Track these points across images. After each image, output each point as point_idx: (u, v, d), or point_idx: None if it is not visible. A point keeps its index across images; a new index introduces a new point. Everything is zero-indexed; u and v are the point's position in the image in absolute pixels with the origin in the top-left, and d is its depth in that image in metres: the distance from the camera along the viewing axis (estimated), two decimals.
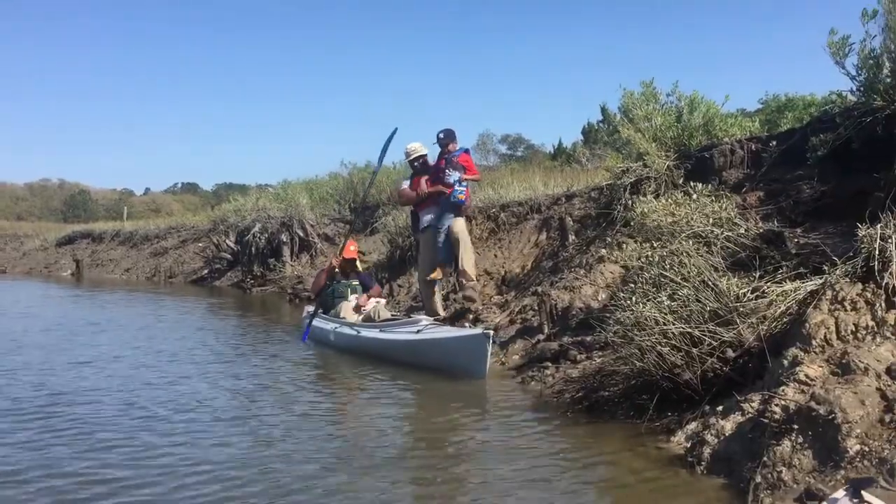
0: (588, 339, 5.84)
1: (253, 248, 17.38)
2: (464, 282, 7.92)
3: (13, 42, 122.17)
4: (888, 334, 3.49)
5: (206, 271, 20.51)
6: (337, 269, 8.84)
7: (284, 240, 16.95)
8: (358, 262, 9.14)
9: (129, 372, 6.67)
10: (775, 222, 5.63)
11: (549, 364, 5.92)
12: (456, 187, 7.88)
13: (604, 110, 34.73)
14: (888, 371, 3.26)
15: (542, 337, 6.63)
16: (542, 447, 4.25)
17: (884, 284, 3.60)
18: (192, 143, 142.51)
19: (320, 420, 5.09)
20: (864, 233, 3.75)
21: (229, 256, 19.36)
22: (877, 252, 3.64)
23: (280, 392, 5.98)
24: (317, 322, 8.55)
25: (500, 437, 4.48)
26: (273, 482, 3.62)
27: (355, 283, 8.76)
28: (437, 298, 8.32)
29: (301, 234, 17.02)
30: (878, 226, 3.74)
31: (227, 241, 19.45)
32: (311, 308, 9.68)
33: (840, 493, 2.10)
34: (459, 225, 8.05)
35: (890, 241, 3.65)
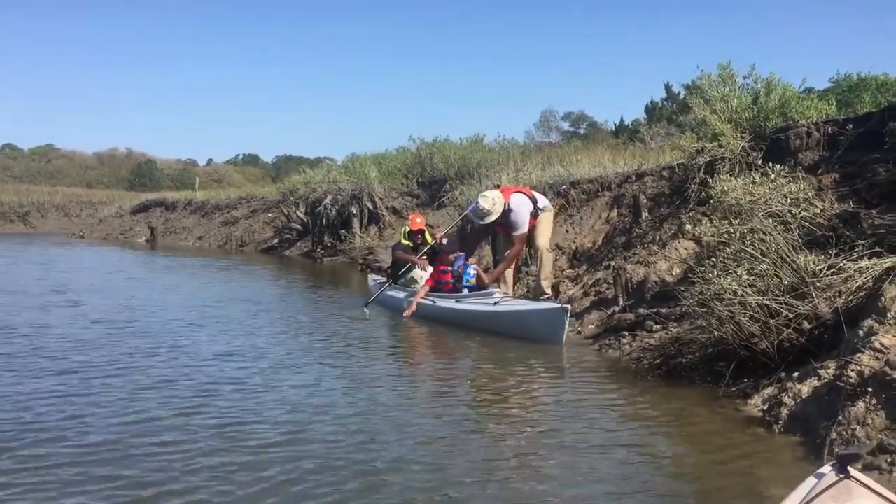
0: (664, 310, 6.15)
1: (324, 220, 17.98)
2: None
3: (78, 12, 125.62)
4: None
5: (276, 241, 21.26)
6: (408, 242, 9.33)
7: (354, 212, 17.49)
8: (427, 234, 9.57)
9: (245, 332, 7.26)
10: (851, 203, 5.84)
11: (626, 333, 6.26)
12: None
13: (668, 88, 34.55)
14: None
15: (617, 308, 6.96)
16: (622, 407, 4.61)
17: None
18: (254, 113, 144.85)
19: (421, 376, 5.56)
20: None
21: (299, 227, 20.04)
22: None
23: (369, 350, 6.48)
24: (390, 291, 9.04)
25: (581, 397, 4.86)
26: (364, 430, 4.06)
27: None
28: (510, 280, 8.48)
29: (370, 207, 17.53)
30: None
31: (297, 212, 20.12)
32: (377, 277, 10.22)
33: (826, 468, 2.03)
34: (543, 231, 8.14)
35: None
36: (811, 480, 2.01)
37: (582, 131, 41.78)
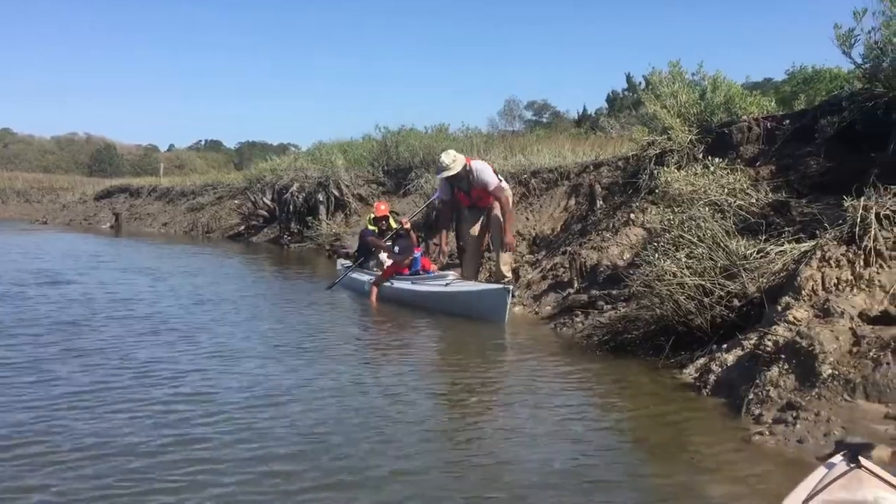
0: (614, 292, 6.66)
1: (291, 206, 18.25)
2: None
3: None
4: (863, 286, 4.29)
5: (242, 227, 21.48)
6: (374, 227, 9.78)
7: (321, 199, 17.79)
8: (392, 220, 10.01)
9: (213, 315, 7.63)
10: (783, 193, 6.40)
11: (579, 313, 6.77)
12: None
13: (629, 79, 35.25)
14: (860, 315, 4.08)
15: (572, 291, 7.47)
16: (573, 377, 5.11)
17: (863, 247, 4.38)
18: (216, 99, 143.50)
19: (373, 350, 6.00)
20: (848, 204, 4.53)
21: (266, 214, 20.29)
22: (859, 220, 4.42)
23: (328, 329, 6.93)
24: (354, 274, 9.55)
25: (536, 369, 5.36)
26: (312, 408, 4.37)
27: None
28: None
29: (337, 194, 17.84)
30: (862, 199, 4.52)
31: (263, 198, 20.36)
32: (346, 262, 10.68)
33: (837, 458, 2.01)
34: (496, 217, 8.46)
35: (870, 211, 4.43)
36: (822, 470, 2.03)
37: (545, 120, 42.47)
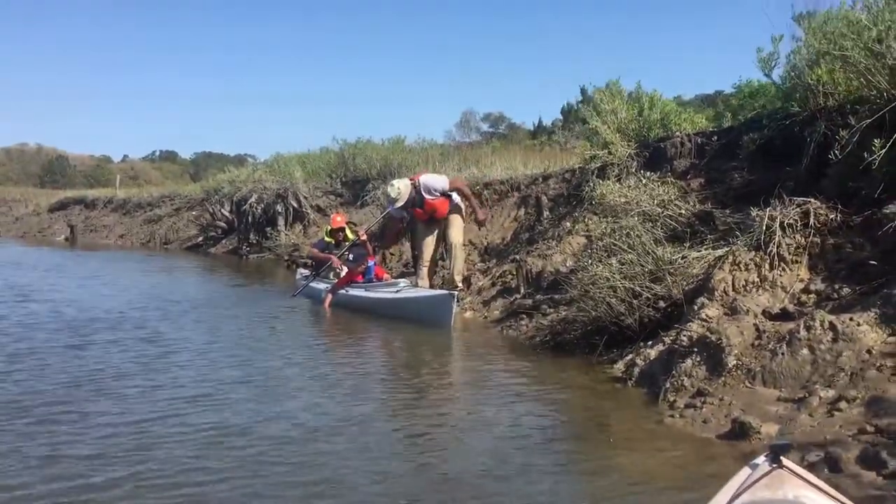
0: (556, 296, 7.14)
1: (249, 217, 18.48)
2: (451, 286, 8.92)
3: None
4: (767, 287, 4.83)
5: (200, 238, 21.58)
6: (330, 239, 10.17)
7: (280, 210, 18.05)
8: (348, 231, 10.41)
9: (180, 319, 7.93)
10: (709, 204, 6.95)
11: (524, 316, 7.23)
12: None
13: (583, 91, 36.07)
14: (763, 312, 4.60)
15: (518, 296, 7.93)
16: (516, 374, 5.56)
17: (769, 252, 4.92)
18: (170, 110, 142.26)
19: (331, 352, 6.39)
20: (755, 214, 5.07)
21: (224, 225, 20.45)
22: (764, 228, 4.96)
23: (279, 333, 7.31)
24: (312, 283, 9.91)
25: (482, 367, 5.81)
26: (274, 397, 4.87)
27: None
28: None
29: (295, 205, 18.12)
30: (768, 210, 5.07)
31: (222, 210, 20.54)
32: (304, 272, 11.03)
33: (760, 459, 2.08)
34: (456, 229, 9.02)
35: (775, 220, 4.97)
36: (746, 471, 2.08)
37: (501, 130, 43.15)
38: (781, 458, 2.01)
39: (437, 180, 8.92)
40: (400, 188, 8.99)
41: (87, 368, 5.45)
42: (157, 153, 79.87)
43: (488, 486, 3.30)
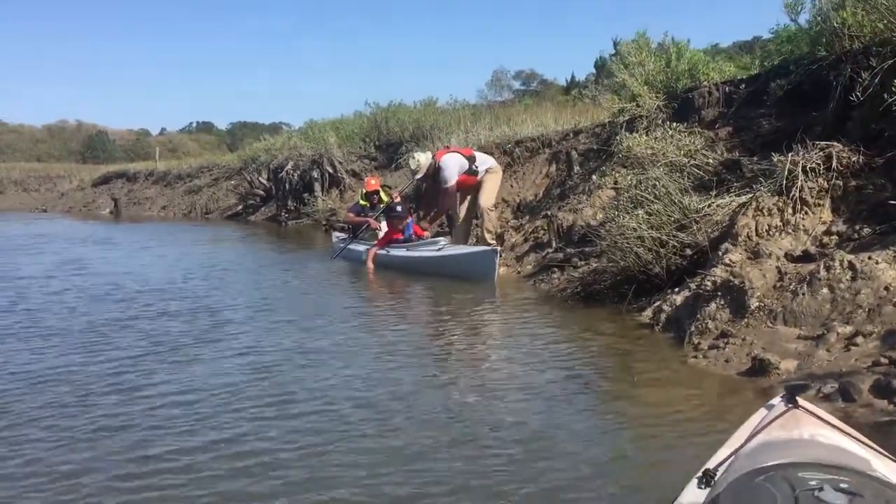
0: (587, 249, 7.30)
1: (287, 185, 18.83)
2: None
3: None
4: (790, 231, 4.94)
5: (240, 207, 22.06)
6: (365, 202, 10.43)
7: (315, 176, 18.35)
8: (382, 194, 10.64)
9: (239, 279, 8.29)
10: (737, 153, 7.01)
11: (556, 270, 7.42)
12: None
13: (616, 44, 35.61)
14: (785, 255, 4.73)
15: (550, 251, 8.11)
16: (550, 323, 5.78)
17: (791, 196, 5.02)
18: (205, 80, 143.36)
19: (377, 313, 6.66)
20: (777, 160, 5.17)
21: (262, 193, 20.87)
22: (787, 173, 5.05)
23: (331, 293, 7.59)
24: (352, 246, 10.15)
25: (518, 318, 6.03)
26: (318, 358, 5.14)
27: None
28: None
29: (331, 171, 18.40)
30: (790, 154, 5.15)
31: (259, 178, 20.95)
32: (341, 234, 11.30)
33: (776, 400, 2.11)
34: (486, 193, 9.11)
35: (797, 165, 5.06)
36: (762, 411, 2.12)
37: (534, 87, 42.84)
38: (797, 398, 2.04)
39: (449, 171, 8.95)
40: (420, 160, 9.26)
41: (149, 340, 5.52)
42: (194, 125, 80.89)
43: (530, 420, 3.54)
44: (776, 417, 1.97)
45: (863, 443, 1.91)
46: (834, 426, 1.95)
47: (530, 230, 9.19)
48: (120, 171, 32.63)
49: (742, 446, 1.92)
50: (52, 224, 21.41)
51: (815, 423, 1.95)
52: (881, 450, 1.87)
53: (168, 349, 5.16)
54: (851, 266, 4.19)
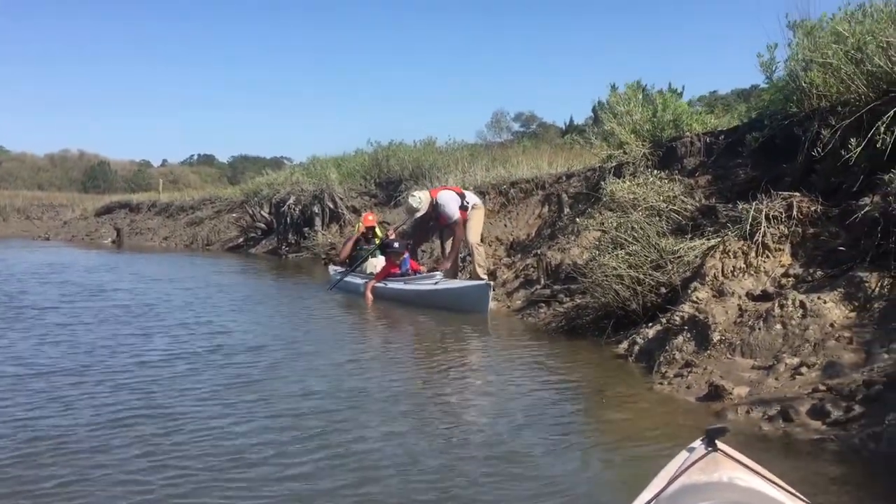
0: (572, 286, 7.77)
1: (288, 218, 19.36)
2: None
3: (21, 12, 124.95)
4: (752, 272, 5.42)
5: (241, 239, 22.54)
6: (362, 237, 11.00)
7: (316, 211, 18.89)
8: (378, 229, 11.17)
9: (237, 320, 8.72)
10: (714, 200, 7.52)
11: (543, 305, 7.88)
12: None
13: (614, 88, 36.56)
14: (746, 294, 5.21)
15: (538, 287, 8.58)
16: (535, 353, 6.21)
17: (755, 241, 5.51)
18: (207, 113, 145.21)
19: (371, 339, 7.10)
20: (742, 207, 5.67)
21: (263, 226, 21.38)
22: (751, 220, 5.55)
23: (328, 323, 8.02)
24: (349, 278, 10.62)
25: (506, 349, 6.47)
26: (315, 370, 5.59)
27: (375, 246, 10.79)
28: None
29: (331, 206, 18.94)
30: (755, 203, 5.66)
31: (261, 211, 21.48)
32: (337, 268, 11.79)
33: (697, 443, 2.13)
34: (472, 230, 9.59)
35: (761, 213, 5.56)
36: (683, 454, 2.15)
37: (532, 129, 43.70)
38: (717, 441, 2.08)
39: (450, 208, 9.50)
40: (422, 198, 9.72)
41: (160, 353, 6.20)
42: (195, 157, 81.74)
43: (503, 436, 3.96)
44: (696, 461, 2.01)
45: (779, 486, 1.99)
46: (752, 469, 2.02)
47: (521, 267, 9.66)
48: (123, 201, 33.21)
49: (663, 490, 1.96)
50: (59, 253, 21.82)
51: (733, 466, 2.01)
52: (796, 493, 1.98)
53: (180, 374, 5.64)
54: (802, 305, 4.66)
